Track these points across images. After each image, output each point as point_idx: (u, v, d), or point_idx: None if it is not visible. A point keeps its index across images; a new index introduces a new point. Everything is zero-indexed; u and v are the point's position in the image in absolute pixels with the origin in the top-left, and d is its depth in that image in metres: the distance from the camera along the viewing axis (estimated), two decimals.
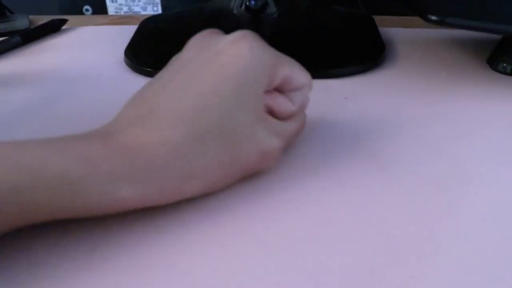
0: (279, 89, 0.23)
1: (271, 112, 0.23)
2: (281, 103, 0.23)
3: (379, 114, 0.30)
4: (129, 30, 0.45)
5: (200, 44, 0.23)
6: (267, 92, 0.22)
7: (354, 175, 0.23)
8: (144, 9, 0.66)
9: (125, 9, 0.66)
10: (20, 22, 0.51)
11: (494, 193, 0.22)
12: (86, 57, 0.42)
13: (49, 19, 0.50)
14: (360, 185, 0.23)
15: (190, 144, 0.19)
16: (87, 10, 0.68)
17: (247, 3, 0.43)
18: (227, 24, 0.43)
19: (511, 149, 0.26)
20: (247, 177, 0.23)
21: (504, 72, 0.36)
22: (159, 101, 0.20)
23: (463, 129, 0.28)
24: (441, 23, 0.31)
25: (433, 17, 0.31)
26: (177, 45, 0.24)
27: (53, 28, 0.49)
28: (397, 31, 0.46)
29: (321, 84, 0.34)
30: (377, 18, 0.46)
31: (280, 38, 0.41)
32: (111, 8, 0.67)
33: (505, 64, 0.36)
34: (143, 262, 0.18)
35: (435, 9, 0.32)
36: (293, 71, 0.23)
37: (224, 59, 0.21)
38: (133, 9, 0.66)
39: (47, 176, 0.17)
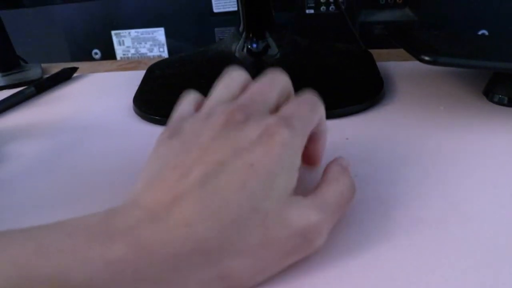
0: None
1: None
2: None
3: (379, 154, 0.31)
4: (137, 76, 0.47)
5: (224, 124, 0.21)
6: None
7: (355, 217, 0.24)
8: (151, 50, 0.68)
9: (132, 51, 0.69)
10: (34, 72, 0.53)
11: (495, 228, 0.23)
12: (97, 105, 0.44)
13: (61, 67, 0.52)
14: (361, 227, 0.24)
15: (215, 239, 0.18)
16: (96, 53, 0.71)
17: (249, 46, 0.44)
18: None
19: (510, 182, 0.27)
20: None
21: (501, 104, 0.37)
22: (182, 191, 0.19)
23: (463, 165, 0.29)
24: (434, 63, 0.32)
25: (426, 57, 0.32)
26: (183, 91, 0.27)
27: (65, 77, 0.51)
28: (395, 65, 0.47)
29: None
30: (375, 52, 0.48)
31: None
32: (119, 50, 0.69)
33: (501, 96, 0.37)
34: None
35: (427, 49, 0.33)
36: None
37: (253, 157, 0.20)
38: (140, 51, 0.69)
39: (71, 283, 0.16)
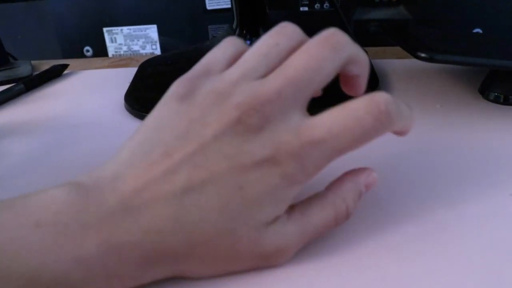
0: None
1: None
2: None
3: (374, 152, 0.31)
4: (129, 73, 0.47)
5: (236, 122, 0.19)
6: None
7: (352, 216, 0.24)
8: (143, 48, 0.67)
9: (125, 48, 0.68)
10: (23, 69, 0.52)
11: (493, 227, 0.23)
12: (88, 103, 0.43)
13: (51, 64, 0.51)
14: (356, 227, 0.23)
15: (183, 250, 0.19)
16: (87, 50, 0.70)
17: None
18: None
19: (508, 181, 0.26)
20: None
21: (497, 102, 0.37)
22: (163, 192, 0.19)
23: (459, 163, 0.29)
24: (430, 60, 0.32)
25: (423, 54, 0.32)
26: None
27: (55, 74, 0.50)
28: (390, 63, 0.47)
29: None
30: (371, 50, 0.48)
31: None
32: (111, 48, 0.68)
33: (496, 94, 0.37)
34: None
35: (424, 46, 0.33)
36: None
37: (246, 180, 0.19)
38: (132, 48, 0.68)
39: (44, 282, 0.17)
